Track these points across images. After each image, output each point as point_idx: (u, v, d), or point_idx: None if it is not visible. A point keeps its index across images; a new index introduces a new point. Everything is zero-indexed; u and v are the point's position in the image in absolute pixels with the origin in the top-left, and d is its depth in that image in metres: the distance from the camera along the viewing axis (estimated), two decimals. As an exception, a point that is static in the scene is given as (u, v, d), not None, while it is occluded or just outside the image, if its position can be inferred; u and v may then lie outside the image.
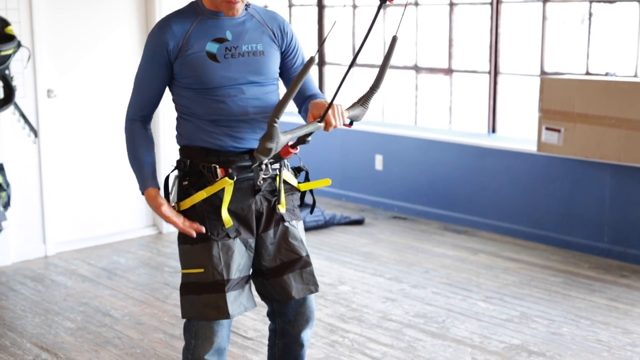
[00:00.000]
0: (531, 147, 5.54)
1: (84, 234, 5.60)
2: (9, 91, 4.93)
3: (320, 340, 3.92)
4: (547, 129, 5.26)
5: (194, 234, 2.55)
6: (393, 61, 2.60)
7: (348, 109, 2.60)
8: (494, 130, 6.03)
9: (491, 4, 5.86)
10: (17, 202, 5.19)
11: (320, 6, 7.12)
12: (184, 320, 2.69)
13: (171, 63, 2.57)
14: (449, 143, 6.08)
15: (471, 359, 3.73)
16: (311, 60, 2.30)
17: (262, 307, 3.68)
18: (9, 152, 5.13)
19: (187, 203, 2.59)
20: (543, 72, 5.63)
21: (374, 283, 4.79)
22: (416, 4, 6.28)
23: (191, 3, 2.64)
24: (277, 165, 2.65)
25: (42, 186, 5.30)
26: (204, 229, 2.55)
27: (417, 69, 6.44)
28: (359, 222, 6.15)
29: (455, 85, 6.25)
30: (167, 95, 2.72)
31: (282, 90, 2.80)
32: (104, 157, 5.64)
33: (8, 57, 4.84)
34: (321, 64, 7.15)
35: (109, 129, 5.63)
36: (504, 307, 4.37)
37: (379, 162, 6.56)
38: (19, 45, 4.90)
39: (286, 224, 2.69)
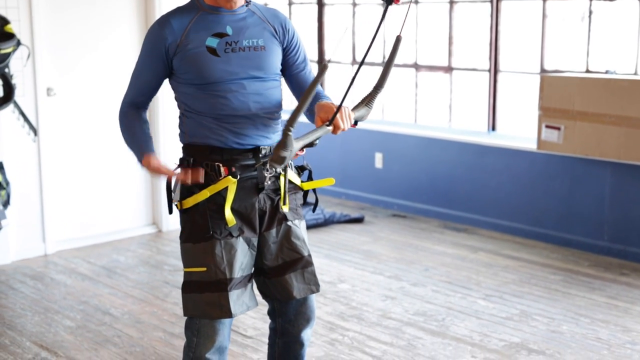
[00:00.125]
0: (531, 145, 5.54)
1: (84, 233, 5.60)
2: (9, 89, 4.92)
3: (320, 338, 3.92)
4: (547, 126, 5.25)
5: (201, 178, 2.53)
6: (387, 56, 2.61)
7: (353, 109, 2.60)
8: (493, 128, 6.03)
9: (491, 1, 5.85)
10: (16, 200, 5.19)
11: (320, 4, 7.11)
12: (185, 318, 2.69)
13: (169, 59, 2.57)
14: (448, 141, 6.08)
15: (471, 357, 3.73)
16: (324, 67, 2.30)
17: (262, 306, 3.69)
18: (9, 150, 5.13)
19: (190, 202, 2.59)
20: (543, 70, 5.62)
21: (374, 281, 4.79)
22: (416, 2, 6.28)
23: (192, 0, 2.64)
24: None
25: (42, 185, 5.30)
26: (202, 175, 2.55)
27: (417, 66, 6.44)
28: (358, 220, 6.15)
29: (455, 83, 6.25)
30: (169, 94, 2.72)
31: (284, 88, 2.81)
32: (104, 156, 5.64)
33: (8, 55, 4.84)
34: (321, 62, 7.14)
35: (109, 127, 5.62)
36: (504, 305, 4.37)
37: (378, 160, 6.56)
38: (18, 43, 4.90)
39: (289, 223, 2.69)
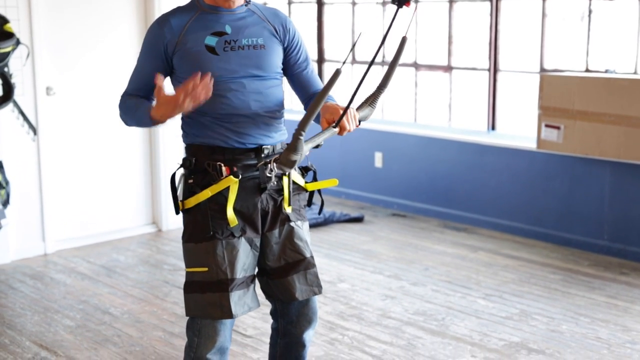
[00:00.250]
0: (531, 144, 5.54)
1: (84, 232, 5.60)
2: (8, 89, 4.92)
3: (319, 337, 3.92)
4: (547, 126, 5.25)
5: (210, 87, 2.40)
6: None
7: (357, 109, 2.60)
8: (493, 128, 6.03)
9: (491, 0, 5.85)
10: (16, 199, 5.19)
11: (320, 3, 7.11)
12: (186, 318, 2.68)
13: (169, 57, 2.57)
14: (448, 140, 6.08)
15: (471, 356, 3.73)
16: (337, 72, 2.30)
17: (262, 305, 3.68)
18: (8, 149, 5.13)
19: (192, 201, 2.59)
20: (543, 69, 5.62)
21: (374, 281, 4.79)
22: (416, 1, 6.27)
23: (192, 0, 2.64)
24: None
25: (42, 184, 5.29)
26: (209, 77, 2.40)
27: (416, 66, 6.43)
28: (358, 220, 6.14)
29: (454, 82, 6.25)
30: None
31: (287, 87, 2.81)
32: (104, 155, 5.64)
33: (7, 54, 4.84)
34: (320, 61, 7.14)
35: (108, 126, 5.62)
36: (504, 304, 4.37)
37: (378, 160, 6.56)
38: (18, 42, 4.90)
39: (292, 224, 2.68)
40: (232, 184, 2.55)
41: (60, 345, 3.88)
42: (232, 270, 2.57)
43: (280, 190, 2.66)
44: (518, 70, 5.88)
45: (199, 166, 2.60)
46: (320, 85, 2.77)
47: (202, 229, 2.58)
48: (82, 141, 5.54)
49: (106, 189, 5.69)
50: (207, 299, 2.58)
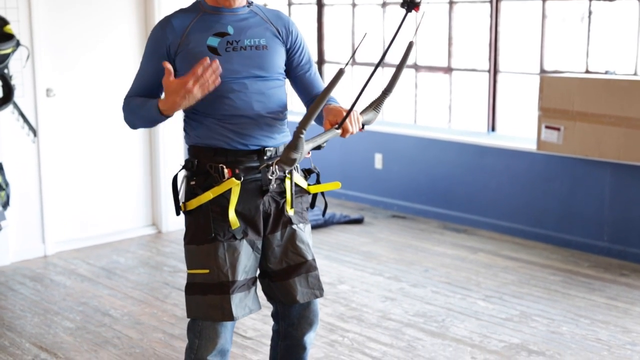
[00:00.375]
0: (531, 145, 5.54)
1: (83, 234, 5.60)
2: (8, 90, 4.92)
3: (319, 339, 3.92)
4: (547, 127, 5.25)
5: (220, 70, 2.39)
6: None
7: (361, 113, 2.60)
8: (493, 129, 6.02)
9: (491, 2, 5.85)
10: (16, 201, 5.19)
11: (320, 5, 7.11)
12: (187, 319, 2.68)
13: (171, 58, 2.58)
14: (448, 142, 6.08)
15: (471, 358, 3.72)
16: (340, 72, 2.30)
17: (263, 307, 3.68)
18: (8, 151, 5.13)
19: (194, 203, 2.59)
20: (543, 71, 5.62)
21: (374, 282, 4.78)
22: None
23: (195, 2, 2.66)
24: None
25: (42, 185, 5.29)
26: (217, 62, 2.38)
27: (416, 67, 6.43)
28: (358, 221, 6.14)
29: (454, 83, 6.25)
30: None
31: (289, 89, 2.80)
32: (103, 156, 5.64)
33: (7, 56, 4.84)
34: (320, 62, 7.14)
35: (108, 128, 5.62)
36: (504, 306, 4.37)
37: (378, 161, 6.56)
38: (18, 44, 4.90)
39: (294, 226, 2.68)
40: (234, 186, 2.55)
41: (60, 347, 3.88)
42: (234, 272, 2.57)
43: (282, 193, 2.65)
44: (518, 72, 5.88)
45: (201, 168, 2.60)
46: (323, 87, 2.77)
47: (203, 231, 2.58)
48: (82, 143, 5.54)
49: (106, 191, 5.69)
50: (208, 301, 2.57)
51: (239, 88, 2.56)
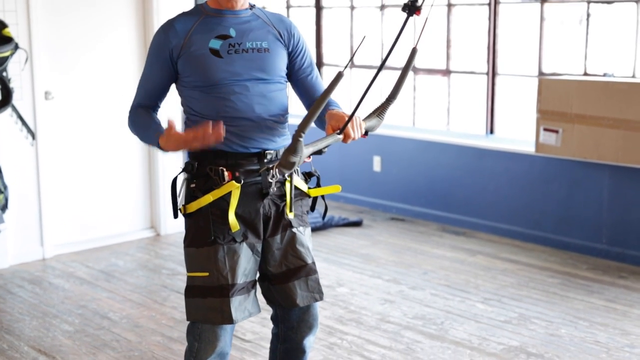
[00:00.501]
0: (529, 148, 5.54)
1: (82, 236, 5.60)
2: (7, 93, 4.92)
3: (318, 342, 3.91)
4: (545, 129, 5.26)
5: (222, 134, 2.41)
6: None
7: (364, 119, 2.59)
8: (492, 132, 6.03)
9: (489, 4, 5.86)
10: (14, 204, 5.18)
11: (318, 7, 7.11)
12: (185, 322, 2.68)
13: (174, 62, 2.58)
14: (447, 144, 6.08)
15: (470, 360, 3.73)
16: (339, 75, 2.30)
17: (262, 310, 3.67)
18: (7, 154, 5.12)
19: (194, 206, 2.59)
20: (541, 73, 5.63)
21: (373, 285, 4.78)
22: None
23: (197, 5, 2.67)
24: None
25: (40, 188, 5.29)
26: (222, 130, 2.42)
27: (415, 70, 6.44)
28: (357, 224, 6.14)
29: (453, 86, 6.25)
30: (168, 97, 2.73)
31: (290, 91, 2.81)
32: (102, 159, 5.64)
33: (5, 59, 4.84)
34: (319, 65, 7.15)
35: (107, 130, 5.62)
36: (503, 308, 4.37)
37: (377, 164, 6.56)
38: (16, 47, 4.90)
39: (294, 230, 2.68)
40: (234, 189, 2.55)
41: (59, 350, 3.87)
42: (233, 275, 2.57)
43: (282, 196, 2.65)
44: (516, 74, 5.89)
45: (201, 171, 2.60)
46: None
47: (203, 234, 2.58)
48: (81, 145, 5.54)
49: (105, 194, 5.69)
50: (207, 304, 2.57)
51: (240, 90, 2.57)
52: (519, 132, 5.90)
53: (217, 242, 2.56)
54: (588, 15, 5.36)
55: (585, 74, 5.38)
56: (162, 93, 2.68)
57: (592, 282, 4.78)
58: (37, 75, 5.19)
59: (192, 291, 2.61)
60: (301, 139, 2.33)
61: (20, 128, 5.16)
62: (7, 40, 4.84)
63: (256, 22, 2.64)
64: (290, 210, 2.66)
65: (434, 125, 6.46)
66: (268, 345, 3.66)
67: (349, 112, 2.51)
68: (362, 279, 4.90)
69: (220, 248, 2.56)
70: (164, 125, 2.55)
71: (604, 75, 5.24)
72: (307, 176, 2.78)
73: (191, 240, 2.61)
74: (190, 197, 2.61)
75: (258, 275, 2.71)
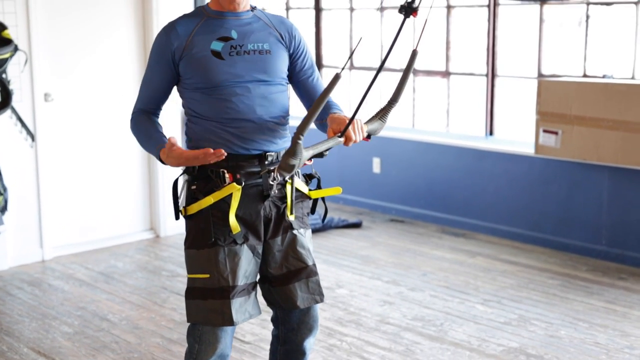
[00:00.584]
0: (529, 149, 5.54)
1: (82, 238, 5.60)
2: (6, 95, 4.92)
3: (318, 344, 3.91)
4: (545, 131, 5.26)
5: (223, 153, 2.42)
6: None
7: (366, 122, 2.59)
8: (491, 133, 6.03)
9: (488, 6, 5.86)
10: (14, 206, 5.18)
11: (318, 9, 7.12)
12: (185, 324, 2.68)
13: (176, 64, 2.59)
14: (446, 146, 6.08)
15: (469, 362, 3.73)
16: (336, 77, 2.30)
17: (262, 312, 3.67)
18: (6, 156, 5.12)
19: (195, 208, 2.59)
20: (540, 75, 5.63)
21: (372, 286, 4.78)
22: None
23: (198, 7, 2.67)
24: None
25: (40, 190, 5.29)
26: (224, 152, 2.43)
27: (414, 71, 6.43)
28: (356, 225, 6.14)
29: (452, 87, 6.25)
30: (170, 101, 2.73)
31: (291, 93, 2.81)
32: (102, 161, 5.64)
33: (5, 61, 4.84)
34: (318, 66, 7.15)
35: (106, 132, 5.62)
36: (502, 310, 4.37)
37: (376, 165, 6.56)
38: (16, 49, 4.90)
39: (294, 231, 2.68)
40: (234, 191, 2.55)
41: (58, 352, 3.87)
42: (234, 277, 2.57)
43: (283, 198, 2.65)
44: (516, 76, 5.89)
45: (202, 172, 2.60)
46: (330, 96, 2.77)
47: (204, 236, 2.58)
48: (80, 147, 5.54)
49: (104, 195, 5.69)
50: (208, 306, 2.57)
51: (242, 92, 2.57)
52: (518, 133, 5.90)
53: (218, 243, 2.56)
54: (587, 16, 5.36)
55: (585, 75, 5.38)
56: (164, 95, 2.68)
57: (591, 284, 4.78)
58: (37, 77, 5.19)
59: (193, 293, 2.61)
60: (300, 141, 2.33)
61: (20, 130, 5.16)
62: (7, 42, 4.85)
63: (257, 24, 2.64)
64: (291, 213, 2.66)
65: (433, 126, 6.46)
66: (268, 347, 3.66)
67: (350, 115, 2.51)
68: (361, 280, 4.90)
69: (221, 250, 2.56)
70: (164, 122, 2.54)
71: (604, 76, 5.24)
72: (308, 178, 2.78)
73: (192, 242, 2.61)
74: (191, 198, 2.61)
75: (258, 277, 2.71)
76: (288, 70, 2.70)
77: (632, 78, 5.16)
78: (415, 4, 2.52)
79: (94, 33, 5.53)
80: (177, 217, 2.65)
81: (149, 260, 5.35)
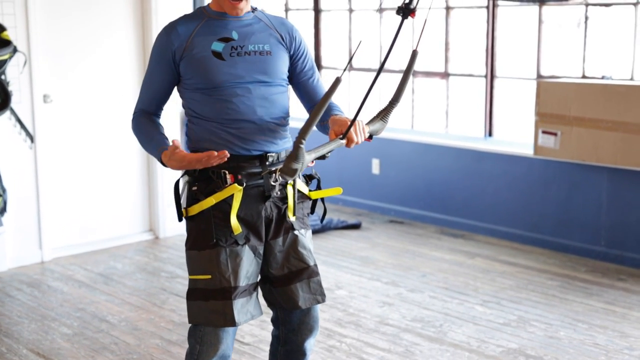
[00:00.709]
0: (528, 150, 5.55)
1: (81, 239, 5.59)
2: (5, 96, 4.92)
3: (317, 345, 3.91)
4: (544, 132, 5.26)
5: (227, 154, 2.41)
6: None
7: (368, 123, 2.59)
8: (490, 134, 6.03)
9: (487, 7, 5.87)
10: (13, 207, 5.18)
11: (317, 10, 7.12)
12: (184, 325, 2.68)
13: (177, 64, 2.59)
14: (445, 147, 6.08)
15: (469, 363, 3.73)
16: (337, 81, 2.30)
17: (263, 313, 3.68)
18: (6, 157, 5.12)
19: (196, 209, 2.59)
20: (539, 76, 5.63)
21: (371, 287, 4.78)
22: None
23: (199, 8, 2.67)
24: None
25: (39, 192, 5.29)
26: (227, 154, 2.43)
27: (413, 72, 6.43)
28: (355, 227, 6.14)
29: (451, 88, 6.25)
30: (170, 101, 2.73)
31: (292, 94, 2.81)
32: (101, 162, 5.64)
33: (4, 62, 4.84)
34: (318, 67, 7.14)
35: (105, 133, 5.62)
36: (501, 311, 4.37)
37: (375, 166, 6.56)
38: (15, 50, 4.90)
39: (296, 232, 2.68)
40: (236, 192, 2.55)
41: (58, 354, 3.87)
42: (236, 278, 2.57)
43: (284, 198, 2.66)
44: (515, 77, 5.89)
45: (203, 173, 2.60)
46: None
47: (205, 237, 2.58)
48: (80, 148, 5.54)
49: (103, 197, 5.68)
50: (210, 307, 2.57)
51: (242, 93, 2.57)
52: (517, 134, 5.90)
53: (220, 244, 2.56)
54: (586, 17, 5.37)
55: (584, 76, 5.39)
56: (165, 95, 2.68)
57: (591, 285, 4.78)
58: (36, 79, 5.19)
59: (194, 294, 2.61)
60: (302, 145, 2.33)
61: (19, 131, 5.16)
62: (6, 43, 4.85)
63: (258, 25, 2.64)
64: (293, 214, 2.66)
65: (432, 127, 6.46)
66: (267, 348, 3.66)
67: (351, 117, 2.51)
68: (360, 281, 4.90)
69: (222, 251, 2.56)
70: (165, 124, 2.54)
71: (602, 77, 5.25)
72: (308, 179, 2.79)
73: (193, 243, 2.61)
74: (192, 199, 2.61)
75: (259, 277, 2.71)
76: (288, 71, 2.70)
77: (631, 79, 5.17)
78: (413, 5, 2.52)
79: (93, 34, 5.53)
80: (180, 219, 2.64)
81: (148, 262, 5.35)
